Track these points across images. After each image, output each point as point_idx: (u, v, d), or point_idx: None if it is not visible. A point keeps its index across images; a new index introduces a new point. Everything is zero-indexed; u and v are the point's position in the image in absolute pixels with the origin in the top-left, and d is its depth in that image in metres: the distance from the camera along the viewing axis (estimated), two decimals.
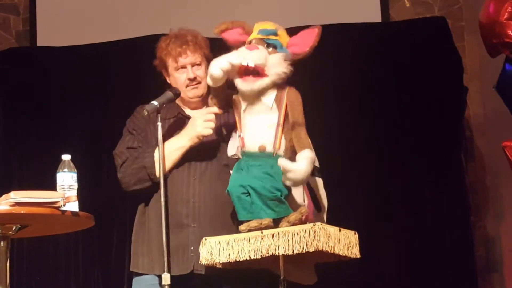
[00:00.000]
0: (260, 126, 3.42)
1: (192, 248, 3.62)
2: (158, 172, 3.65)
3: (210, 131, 3.64)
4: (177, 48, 3.78)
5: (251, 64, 3.37)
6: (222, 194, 3.57)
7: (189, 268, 3.62)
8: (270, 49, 3.44)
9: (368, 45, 5.45)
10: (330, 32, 5.38)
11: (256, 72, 3.39)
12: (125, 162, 3.75)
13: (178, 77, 3.81)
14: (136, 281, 3.81)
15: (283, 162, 3.27)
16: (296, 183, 3.33)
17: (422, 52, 5.40)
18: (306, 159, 3.27)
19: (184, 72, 3.79)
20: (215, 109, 3.63)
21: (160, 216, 3.62)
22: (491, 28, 4.25)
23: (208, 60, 3.74)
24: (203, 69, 3.79)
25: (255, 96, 3.43)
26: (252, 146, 3.41)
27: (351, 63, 5.40)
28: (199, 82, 3.79)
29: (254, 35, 3.49)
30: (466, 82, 5.50)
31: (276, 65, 3.41)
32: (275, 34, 3.48)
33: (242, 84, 3.42)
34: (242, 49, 3.43)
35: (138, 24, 5.93)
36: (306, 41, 3.49)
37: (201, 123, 3.63)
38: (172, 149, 3.68)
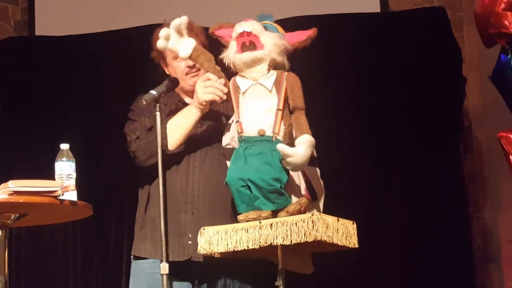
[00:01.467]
0: (259, 110, 3.41)
1: (190, 235, 3.63)
2: (170, 144, 3.65)
3: (210, 96, 3.57)
4: None
5: (247, 30, 3.39)
6: (221, 183, 3.57)
7: (186, 255, 3.63)
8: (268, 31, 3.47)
9: (367, 35, 5.44)
10: (329, 23, 5.44)
11: (253, 45, 3.41)
12: (139, 137, 3.73)
13: (177, 66, 3.81)
14: (134, 266, 3.82)
15: (282, 147, 3.27)
16: (296, 168, 3.34)
17: (421, 42, 5.40)
18: (304, 144, 3.28)
19: (182, 60, 3.79)
20: (211, 75, 3.56)
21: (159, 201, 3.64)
22: (487, 18, 4.25)
23: (205, 47, 3.74)
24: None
25: (254, 73, 3.44)
26: (251, 130, 3.40)
27: (349, 53, 5.40)
28: (199, 69, 3.78)
29: None
30: (465, 73, 5.50)
31: (272, 38, 3.42)
32: (271, 19, 3.52)
33: (240, 56, 3.43)
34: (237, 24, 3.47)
35: (136, 14, 5.92)
36: (302, 33, 3.50)
37: (201, 89, 3.59)
38: (182, 118, 3.67)
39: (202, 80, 3.60)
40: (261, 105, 3.42)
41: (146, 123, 3.77)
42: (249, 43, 3.41)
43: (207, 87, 3.58)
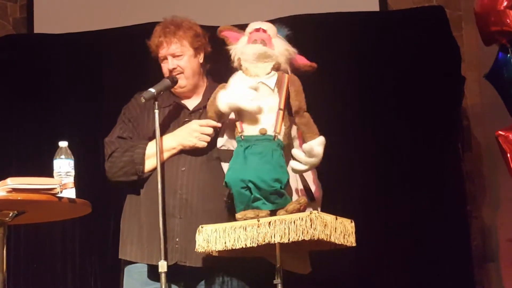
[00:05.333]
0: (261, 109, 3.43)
1: (177, 239, 3.63)
2: (146, 168, 3.70)
3: (205, 144, 3.67)
4: (155, 40, 3.81)
5: (264, 27, 3.49)
6: (210, 187, 3.61)
7: (173, 259, 3.62)
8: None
9: (366, 34, 5.44)
10: (327, 21, 5.44)
11: (264, 44, 3.46)
12: (114, 152, 3.77)
13: (163, 67, 3.85)
14: (127, 269, 3.83)
15: (309, 147, 3.33)
16: (311, 168, 3.41)
17: (420, 41, 5.39)
18: (322, 146, 3.35)
19: (166, 62, 3.81)
20: (214, 123, 3.62)
21: (150, 205, 3.66)
22: (487, 16, 4.25)
23: (196, 49, 3.76)
24: (185, 59, 3.80)
25: (258, 69, 3.46)
26: (252, 129, 3.42)
27: (348, 52, 5.39)
28: (181, 73, 3.79)
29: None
30: (464, 72, 5.49)
31: (283, 43, 3.51)
32: (283, 34, 3.60)
33: (253, 46, 3.47)
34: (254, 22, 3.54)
35: (135, 11, 5.92)
36: (305, 60, 3.60)
37: (198, 135, 3.66)
38: (161, 149, 3.68)
39: (202, 124, 3.66)
40: (263, 104, 3.42)
41: (124, 133, 3.82)
42: (260, 41, 3.45)
43: (205, 135, 3.66)
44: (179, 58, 3.79)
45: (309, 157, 3.33)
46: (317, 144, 3.34)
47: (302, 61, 3.57)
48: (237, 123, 3.46)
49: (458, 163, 5.37)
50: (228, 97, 3.43)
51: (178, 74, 3.79)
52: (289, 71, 3.53)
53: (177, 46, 3.78)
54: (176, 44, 3.78)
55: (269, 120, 3.40)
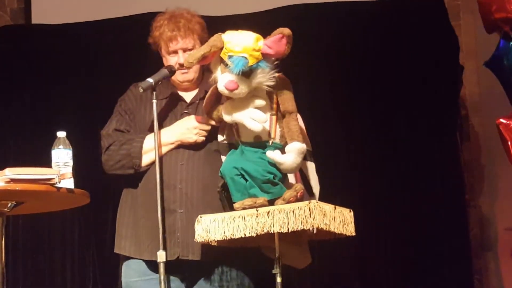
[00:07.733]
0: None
1: (178, 234, 3.62)
2: (143, 163, 3.69)
3: (203, 139, 3.67)
4: (168, 33, 3.74)
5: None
6: (209, 180, 3.60)
7: (175, 254, 3.62)
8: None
9: (364, 23, 5.43)
10: (325, 11, 5.43)
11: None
12: (111, 145, 3.75)
13: (169, 59, 3.79)
14: (126, 265, 3.83)
15: (272, 155, 3.31)
16: (289, 172, 3.40)
17: (418, 30, 5.38)
18: (293, 152, 3.31)
19: (175, 56, 3.77)
20: (213, 123, 3.63)
21: (148, 200, 3.65)
22: (490, 3, 4.24)
23: (202, 42, 3.71)
24: None
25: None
26: (247, 136, 3.42)
27: (346, 41, 5.39)
28: (189, 67, 3.77)
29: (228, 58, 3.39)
30: (462, 61, 5.49)
31: (258, 79, 3.38)
32: (245, 62, 3.34)
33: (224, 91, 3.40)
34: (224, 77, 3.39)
35: (134, 2, 5.90)
36: (279, 50, 3.37)
37: (198, 131, 3.66)
38: (159, 144, 3.67)
39: (201, 122, 3.65)
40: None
41: (121, 126, 3.80)
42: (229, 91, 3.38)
43: (195, 128, 3.65)
44: (190, 52, 3.73)
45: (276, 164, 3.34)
46: (288, 150, 3.31)
47: (273, 54, 3.37)
48: (234, 130, 3.47)
49: (456, 152, 5.37)
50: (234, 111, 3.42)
51: (188, 68, 3.74)
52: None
53: (190, 40, 3.74)
54: (189, 38, 3.73)
55: (264, 127, 3.39)
